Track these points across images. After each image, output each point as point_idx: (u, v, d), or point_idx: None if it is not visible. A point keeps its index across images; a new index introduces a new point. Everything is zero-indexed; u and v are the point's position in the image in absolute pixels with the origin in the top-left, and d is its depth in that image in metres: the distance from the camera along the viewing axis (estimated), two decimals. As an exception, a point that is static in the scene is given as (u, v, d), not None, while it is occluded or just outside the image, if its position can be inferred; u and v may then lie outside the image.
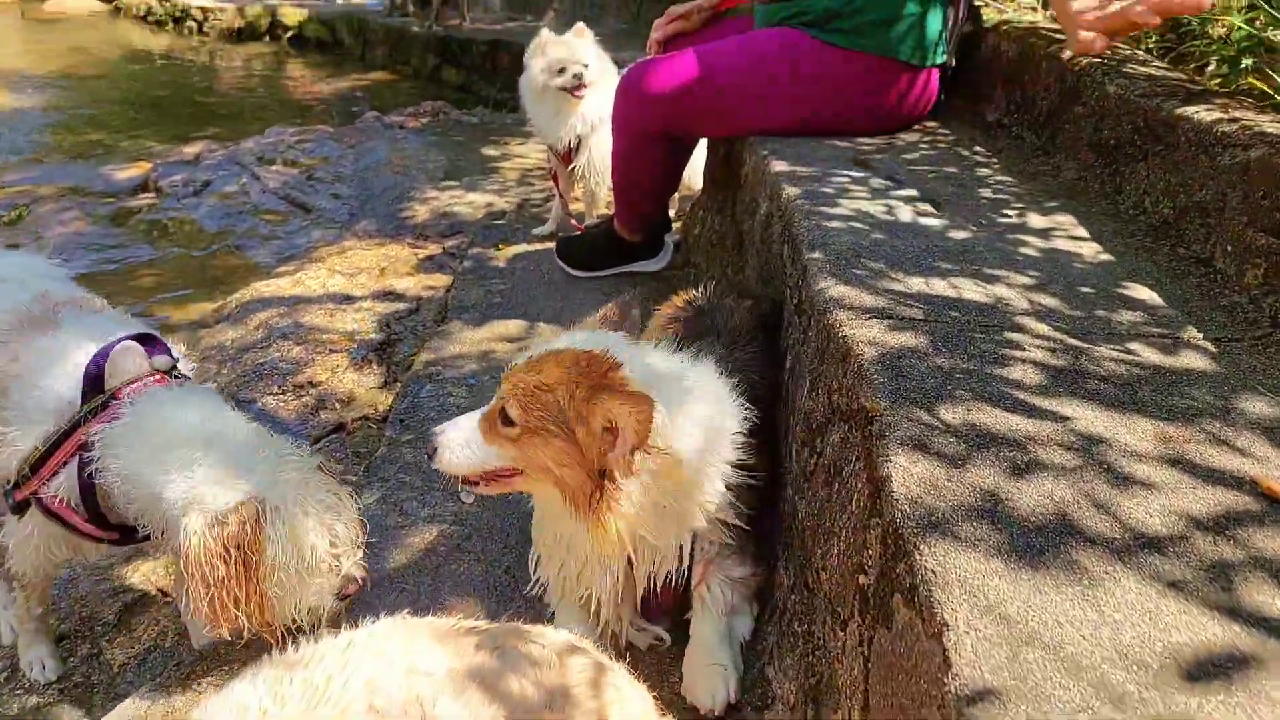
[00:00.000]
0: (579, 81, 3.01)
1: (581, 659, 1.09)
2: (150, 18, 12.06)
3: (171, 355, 1.60)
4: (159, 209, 4.82)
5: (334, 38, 10.53)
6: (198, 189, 5.01)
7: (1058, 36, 2.11)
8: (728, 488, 1.40)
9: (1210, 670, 0.75)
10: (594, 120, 3.12)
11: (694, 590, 1.48)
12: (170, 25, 11.78)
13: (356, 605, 1.70)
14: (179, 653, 1.81)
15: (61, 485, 1.48)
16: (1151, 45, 2.07)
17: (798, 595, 1.38)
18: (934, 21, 2.16)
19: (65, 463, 1.47)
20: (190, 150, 5.76)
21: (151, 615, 1.94)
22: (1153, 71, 1.84)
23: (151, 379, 1.53)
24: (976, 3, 2.45)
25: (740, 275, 2.38)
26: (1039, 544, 0.89)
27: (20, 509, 1.54)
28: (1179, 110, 1.59)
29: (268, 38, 11.00)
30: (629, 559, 1.41)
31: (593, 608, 1.49)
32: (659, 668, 1.51)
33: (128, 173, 5.44)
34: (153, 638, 1.87)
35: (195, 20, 11.56)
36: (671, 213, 3.17)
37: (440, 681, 0.99)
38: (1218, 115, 1.53)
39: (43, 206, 4.90)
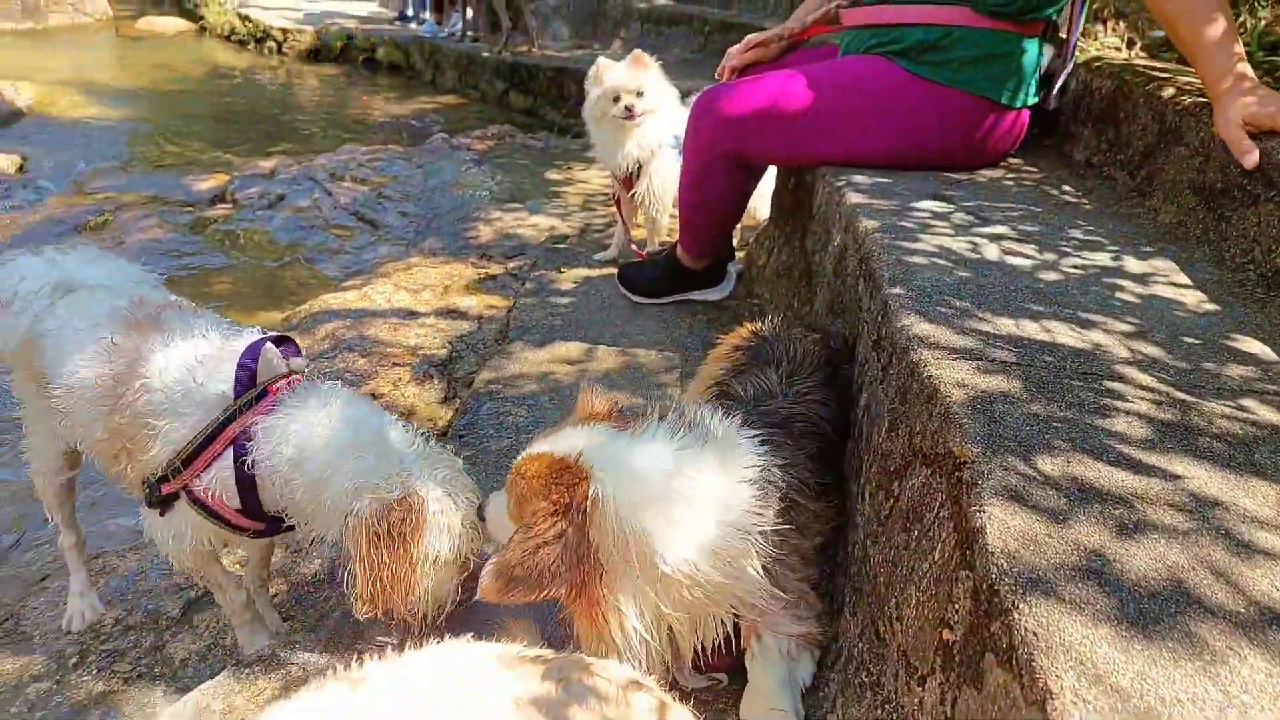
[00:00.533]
0: (629, 112, 3.02)
1: (645, 696, 1.05)
2: (233, 37, 12.54)
3: (301, 357, 1.66)
4: (234, 220, 4.97)
5: (406, 61, 10.81)
6: (272, 202, 5.15)
7: (1155, 74, 2.04)
8: (766, 565, 1.31)
9: (1357, 767, 0.68)
10: (653, 146, 3.12)
11: (745, 644, 1.43)
12: (252, 45, 12.23)
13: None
14: (238, 652, 1.82)
15: (214, 478, 1.52)
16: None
17: (866, 643, 1.32)
18: (1030, 61, 2.10)
19: (219, 454, 1.51)
20: (266, 164, 5.94)
21: (213, 613, 1.96)
22: (1260, 114, 1.76)
23: (295, 378, 1.58)
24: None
25: (808, 308, 2.33)
26: (1153, 611, 0.82)
27: (163, 503, 1.57)
28: (1294, 154, 1.51)
29: (342, 59, 11.34)
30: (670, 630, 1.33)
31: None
32: (715, 706, 1.45)
33: (207, 184, 5.62)
34: (214, 635, 1.90)
35: (275, 40, 11.99)
36: (734, 242, 3.15)
37: (504, 707, 0.96)
38: (1338, 161, 1.45)
39: (126, 213, 5.09)
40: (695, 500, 1.25)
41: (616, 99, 3.03)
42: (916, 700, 1.06)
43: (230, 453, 1.50)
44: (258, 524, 1.58)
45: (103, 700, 1.78)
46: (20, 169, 5.78)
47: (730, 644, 1.40)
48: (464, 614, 1.72)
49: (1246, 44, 1.95)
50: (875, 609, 1.29)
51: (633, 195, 3.24)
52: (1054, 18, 2.12)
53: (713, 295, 3.04)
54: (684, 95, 3.29)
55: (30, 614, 2.07)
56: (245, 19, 12.55)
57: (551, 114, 8.22)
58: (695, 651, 1.37)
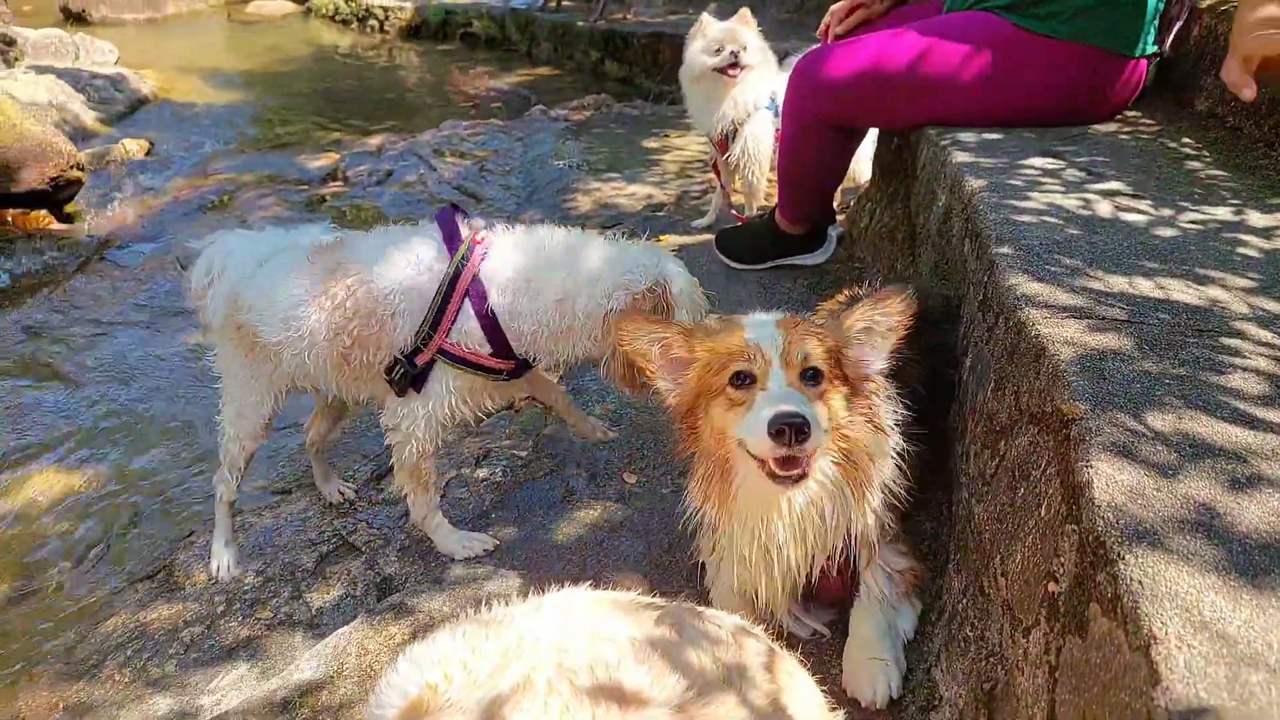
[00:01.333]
0: (734, 59, 3.00)
1: (755, 642, 1.11)
2: (337, 17, 12.97)
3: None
4: (347, 197, 5.21)
5: (502, 34, 10.96)
6: (381, 178, 5.36)
7: (1288, 17, 1.92)
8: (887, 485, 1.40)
9: None
10: (748, 107, 3.11)
11: (862, 575, 1.47)
12: (354, 24, 12.63)
13: (531, 576, 1.80)
14: (368, 601, 1.97)
15: (461, 330, 1.69)
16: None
17: (969, 599, 1.35)
18: (1147, 8, 2.01)
19: (459, 309, 1.68)
20: (373, 142, 6.17)
21: (344, 565, 2.10)
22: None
23: (485, 232, 1.75)
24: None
25: (911, 270, 2.32)
26: (1263, 563, 0.83)
27: (416, 380, 1.72)
28: None
29: (441, 35, 11.59)
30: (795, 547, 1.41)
31: (754, 593, 1.50)
32: (819, 659, 1.50)
33: (319, 162, 5.88)
34: (345, 586, 2.04)
35: (377, 19, 12.34)
36: (834, 204, 3.12)
37: (624, 647, 1.03)
38: None
39: (246, 192, 5.39)
40: None
41: (719, 50, 3.02)
42: (1021, 651, 1.09)
43: (468, 304, 1.66)
44: (509, 364, 1.74)
45: (249, 644, 1.94)
46: (148, 153, 6.19)
47: (843, 573, 1.46)
48: (570, 565, 1.82)
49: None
50: (980, 565, 1.31)
51: (727, 158, 3.24)
52: None
53: (812, 260, 3.03)
54: (780, 57, 3.26)
55: (180, 566, 2.26)
56: (348, -1, 12.96)
57: (647, 82, 8.22)
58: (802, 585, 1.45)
